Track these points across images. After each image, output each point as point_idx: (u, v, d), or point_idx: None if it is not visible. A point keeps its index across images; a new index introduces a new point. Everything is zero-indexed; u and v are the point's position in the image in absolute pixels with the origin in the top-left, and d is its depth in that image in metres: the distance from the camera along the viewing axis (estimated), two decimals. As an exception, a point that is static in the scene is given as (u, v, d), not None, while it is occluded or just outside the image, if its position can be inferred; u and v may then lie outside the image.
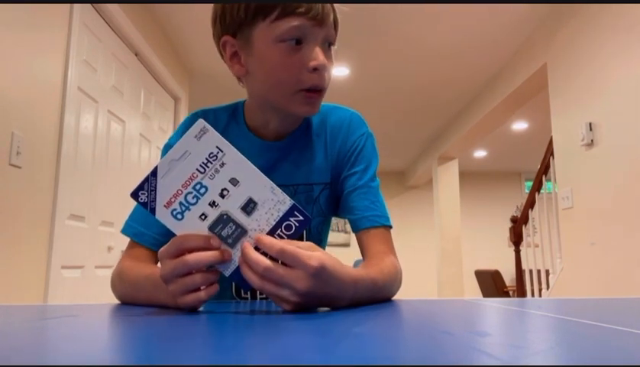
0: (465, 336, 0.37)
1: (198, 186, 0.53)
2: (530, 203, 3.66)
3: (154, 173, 0.53)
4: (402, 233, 7.23)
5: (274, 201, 0.54)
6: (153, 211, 0.53)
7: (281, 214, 0.54)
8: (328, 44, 0.74)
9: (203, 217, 0.53)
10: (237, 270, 0.54)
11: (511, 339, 0.37)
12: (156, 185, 0.53)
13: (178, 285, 0.53)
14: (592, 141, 2.54)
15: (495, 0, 2.88)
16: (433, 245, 6.46)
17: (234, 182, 0.53)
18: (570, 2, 2.75)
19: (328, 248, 0.81)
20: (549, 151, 3.28)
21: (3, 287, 1.64)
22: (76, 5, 2.10)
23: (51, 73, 1.94)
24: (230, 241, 0.54)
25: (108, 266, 2.36)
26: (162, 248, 0.55)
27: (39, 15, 1.85)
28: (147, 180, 0.53)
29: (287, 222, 0.54)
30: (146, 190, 0.53)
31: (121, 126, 2.64)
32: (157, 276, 0.56)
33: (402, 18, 3.12)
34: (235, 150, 0.53)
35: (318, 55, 0.70)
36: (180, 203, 0.53)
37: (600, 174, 2.49)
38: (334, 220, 0.92)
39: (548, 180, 3.40)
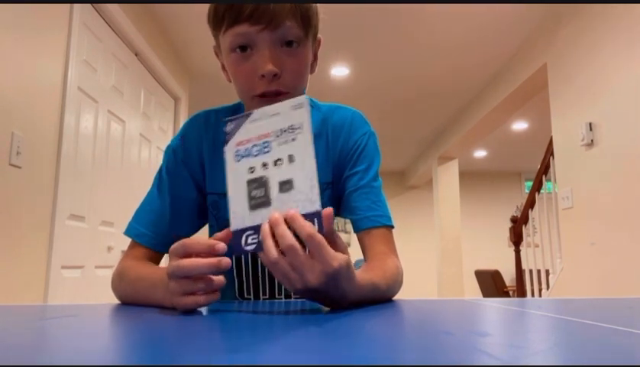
0: (465, 336, 0.37)
1: (266, 144, 0.55)
2: (530, 203, 3.66)
3: (248, 115, 0.57)
4: (402, 233, 7.20)
5: (307, 197, 0.54)
6: (226, 142, 0.57)
7: (303, 212, 0.53)
8: (289, 43, 0.70)
9: (251, 170, 0.55)
10: (237, 240, 0.54)
11: (511, 339, 0.37)
12: (242, 124, 0.57)
13: (178, 285, 0.54)
14: (592, 141, 2.54)
15: (495, 0, 2.88)
16: (433, 245, 6.46)
17: (291, 158, 0.55)
18: (570, 2, 2.75)
19: None
20: (549, 151, 3.28)
21: (3, 287, 1.64)
22: (76, 5, 2.10)
23: (51, 73, 1.94)
24: (253, 203, 0.55)
25: (108, 266, 2.36)
26: (173, 245, 0.56)
27: (39, 15, 1.85)
28: (241, 117, 0.57)
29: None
30: (234, 125, 0.58)
31: (121, 126, 2.64)
32: (156, 275, 0.56)
33: (402, 19, 3.12)
34: (311, 136, 0.55)
35: (265, 62, 0.68)
36: (246, 149, 0.56)
37: (600, 174, 2.49)
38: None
39: (548, 180, 3.40)
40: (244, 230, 0.54)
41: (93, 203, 2.29)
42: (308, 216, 0.53)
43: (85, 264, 2.22)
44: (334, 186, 0.84)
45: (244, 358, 0.28)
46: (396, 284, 0.73)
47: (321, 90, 4.24)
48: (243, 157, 0.56)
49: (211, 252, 0.53)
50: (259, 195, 0.55)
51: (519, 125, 5.46)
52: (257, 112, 0.57)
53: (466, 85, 4.22)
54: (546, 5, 2.94)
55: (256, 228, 0.54)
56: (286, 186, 0.54)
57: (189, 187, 0.83)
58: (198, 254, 0.54)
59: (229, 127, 0.58)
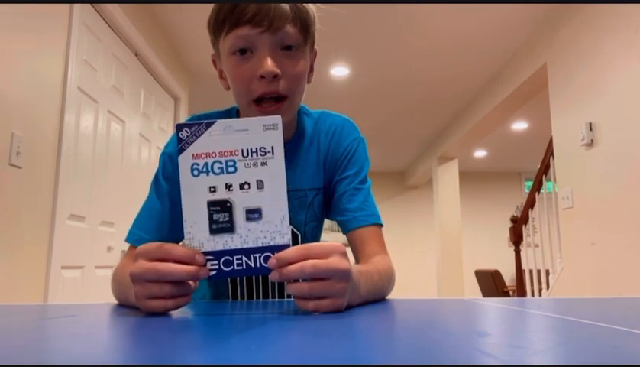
0: (465, 336, 0.37)
1: (230, 163, 0.51)
2: (530, 203, 3.66)
3: (209, 124, 0.51)
4: (402, 233, 7.22)
5: (276, 229, 0.52)
6: (181, 150, 0.51)
7: (272, 244, 0.52)
8: (289, 47, 0.71)
9: (212, 190, 0.51)
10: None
11: (511, 339, 0.37)
12: (202, 134, 0.51)
13: (144, 289, 0.51)
14: (592, 141, 2.54)
15: (495, 0, 2.88)
16: (433, 245, 6.46)
17: (259, 184, 0.51)
18: (570, 2, 2.75)
19: None
20: (549, 151, 3.28)
21: (3, 287, 1.64)
22: (76, 5, 2.10)
23: (51, 73, 1.94)
24: (214, 226, 0.51)
25: (108, 266, 2.36)
26: (144, 245, 0.52)
27: (39, 15, 1.85)
28: (199, 124, 0.51)
29: (270, 254, 0.52)
30: (191, 132, 0.51)
31: (121, 126, 2.64)
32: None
33: (402, 19, 3.12)
34: (283, 163, 0.52)
35: (265, 63, 0.69)
36: (205, 164, 0.51)
37: (600, 174, 2.49)
38: (327, 222, 0.93)
39: (548, 180, 3.40)
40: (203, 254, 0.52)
41: (93, 203, 2.29)
42: (277, 248, 0.52)
43: (85, 264, 2.22)
44: (325, 191, 0.86)
45: (243, 358, 0.28)
46: (390, 282, 0.74)
47: (321, 90, 4.24)
48: (201, 172, 0.51)
49: (191, 261, 0.51)
50: (222, 219, 0.51)
51: (519, 125, 5.46)
52: (220, 123, 0.51)
53: (466, 85, 4.22)
54: (546, 5, 2.94)
55: (217, 255, 0.51)
56: (253, 214, 0.51)
57: None
58: (176, 260, 0.51)
59: (184, 134, 0.51)
